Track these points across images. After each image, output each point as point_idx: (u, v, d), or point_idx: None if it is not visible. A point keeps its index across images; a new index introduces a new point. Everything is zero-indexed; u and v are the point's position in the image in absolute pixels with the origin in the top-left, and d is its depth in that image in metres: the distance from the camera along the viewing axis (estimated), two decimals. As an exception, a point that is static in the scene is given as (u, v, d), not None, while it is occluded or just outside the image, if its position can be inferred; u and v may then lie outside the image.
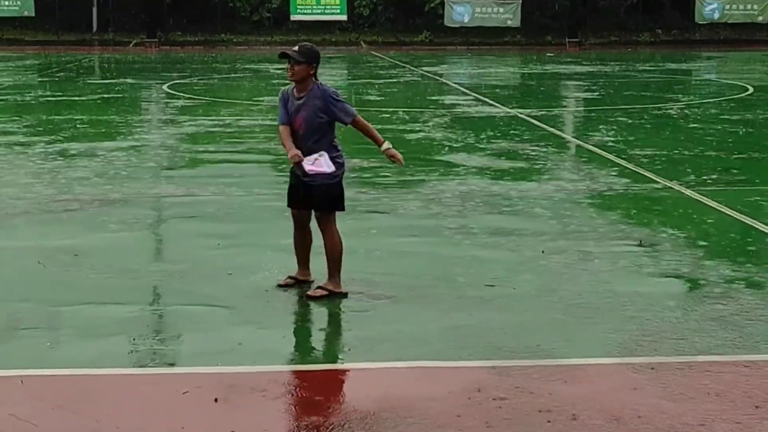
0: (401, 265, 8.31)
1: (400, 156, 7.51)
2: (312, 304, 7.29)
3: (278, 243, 8.51)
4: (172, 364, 6.13)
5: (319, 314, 7.13)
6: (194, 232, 9.58)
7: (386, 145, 7.44)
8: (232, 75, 31.74)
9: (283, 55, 7.32)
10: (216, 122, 18.33)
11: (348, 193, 10.43)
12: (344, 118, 7.35)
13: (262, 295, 7.45)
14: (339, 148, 7.48)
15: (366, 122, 7.55)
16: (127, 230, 9.65)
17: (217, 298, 7.37)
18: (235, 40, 50.14)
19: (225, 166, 13.47)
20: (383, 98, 23.67)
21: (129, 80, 28.99)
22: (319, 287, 7.43)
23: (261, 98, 23.49)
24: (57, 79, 29.39)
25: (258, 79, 29.95)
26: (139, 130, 17.52)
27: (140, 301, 7.36)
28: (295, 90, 7.40)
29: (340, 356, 6.32)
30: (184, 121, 18.48)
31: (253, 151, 14.84)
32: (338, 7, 51.77)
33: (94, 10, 51.73)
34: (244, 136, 16.48)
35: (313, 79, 7.35)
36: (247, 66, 35.65)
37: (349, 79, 31.37)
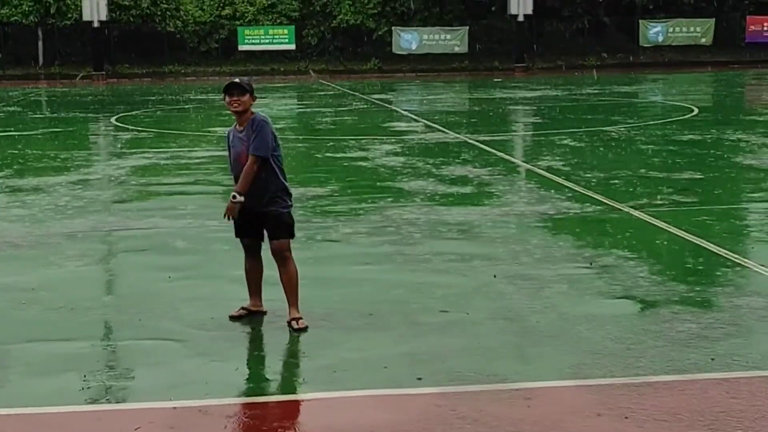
0: (355, 293, 8.30)
1: (229, 209, 7.24)
2: (265, 335, 7.26)
3: (230, 274, 8.47)
4: (124, 400, 6.06)
5: (273, 345, 7.09)
6: (145, 265, 9.50)
7: (234, 192, 7.20)
8: (181, 106, 31.64)
9: (233, 86, 7.25)
10: (165, 154, 18.24)
11: (301, 222, 10.41)
12: (252, 148, 7.15)
13: (215, 328, 7.39)
14: (286, 180, 7.45)
15: (252, 170, 7.20)
16: (77, 265, 9.54)
17: (170, 332, 7.31)
18: (183, 71, 50.08)
19: (175, 198, 13.40)
20: (333, 127, 23.71)
21: (76, 114, 28.81)
22: (293, 319, 7.34)
23: (210, 129, 23.41)
24: (3, 114, 29.09)
25: (207, 110, 29.87)
26: (87, 163, 17.38)
27: (91, 336, 7.28)
28: (236, 125, 7.36)
29: (295, 387, 6.28)
30: (133, 154, 18.37)
31: (204, 182, 14.79)
32: (286, 36, 51.94)
33: (40, 43, 51.43)
34: (193, 167, 16.41)
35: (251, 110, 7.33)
36: (195, 97, 35.56)
37: (299, 108, 31.38)
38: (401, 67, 50.85)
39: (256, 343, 7.20)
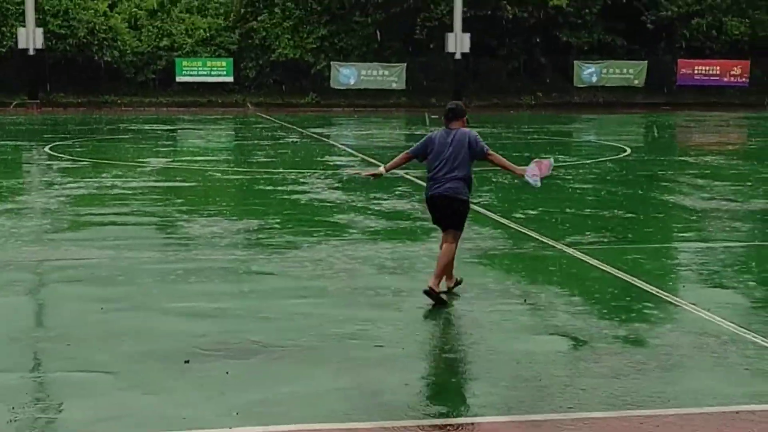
0: (291, 326, 8.26)
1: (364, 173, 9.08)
2: (199, 367, 7.19)
3: (163, 306, 8.40)
4: (54, 433, 5.96)
5: (206, 377, 7.02)
6: (77, 296, 9.38)
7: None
8: (117, 136, 31.36)
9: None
10: (100, 184, 18.05)
11: (234, 254, 10.35)
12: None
13: (146, 360, 7.31)
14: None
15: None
16: (6, 295, 9.39)
17: (101, 364, 7.21)
18: (119, 101, 49.65)
19: (110, 229, 13.26)
20: (270, 160, 23.67)
21: (9, 142, 28.40)
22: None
23: (146, 159, 23.23)
24: (-67, 140, 28.57)
25: (143, 140, 29.64)
26: (19, 192, 17.14)
27: (21, 368, 7.16)
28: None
29: (228, 420, 6.22)
30: (67, 183, 18.15)
31: (139, 213, 14.65)
32: (224, 68, 51.78)
33: (-27, 70, 50.62)
34: (129, 197, 16.25)
35: None
36: (132, 127, 35.27)
37: (236, 141, 31.30)
38: (339, 102, 50.97)
39: (189, 375, 7.12)
